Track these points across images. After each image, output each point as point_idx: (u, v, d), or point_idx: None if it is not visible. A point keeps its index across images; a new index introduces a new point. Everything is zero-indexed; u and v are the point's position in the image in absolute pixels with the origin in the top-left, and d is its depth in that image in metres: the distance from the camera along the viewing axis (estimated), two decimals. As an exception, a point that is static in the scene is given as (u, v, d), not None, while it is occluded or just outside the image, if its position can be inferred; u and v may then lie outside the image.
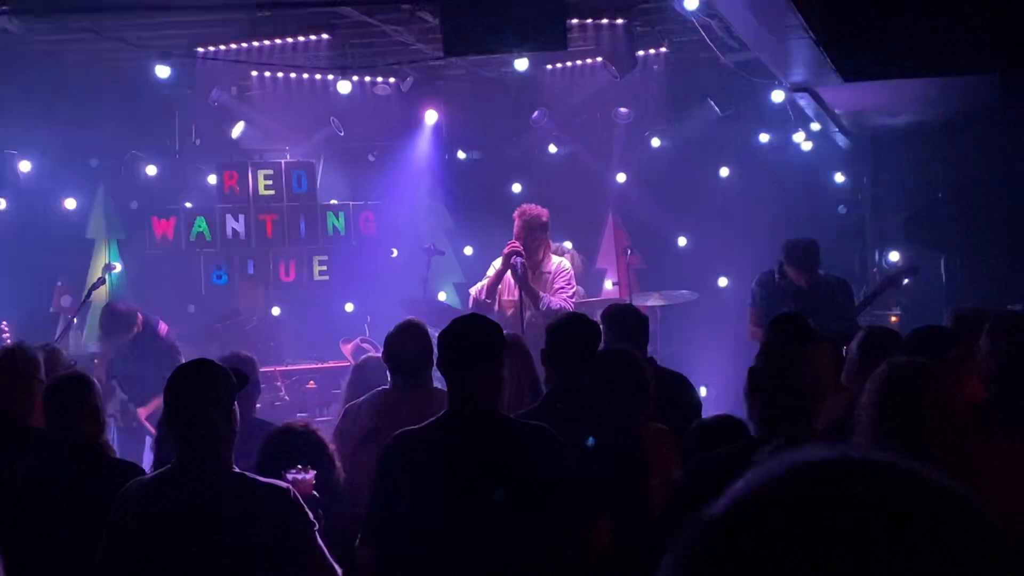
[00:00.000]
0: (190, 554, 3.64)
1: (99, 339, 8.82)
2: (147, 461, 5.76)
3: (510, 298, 8.13)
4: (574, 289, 8.27)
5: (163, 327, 8.53)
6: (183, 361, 8.24)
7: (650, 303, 9.49)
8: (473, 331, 3.95)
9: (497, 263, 8.23)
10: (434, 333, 4.93)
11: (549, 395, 4.65)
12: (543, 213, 8.18)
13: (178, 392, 3.78)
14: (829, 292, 8.07)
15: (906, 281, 9.19)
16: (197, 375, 3.84)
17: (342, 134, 10.50)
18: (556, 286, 8.11)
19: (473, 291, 8.31)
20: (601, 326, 5.90)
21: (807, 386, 3.50)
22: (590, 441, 4.29)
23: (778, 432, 3.40)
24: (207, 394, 3.73)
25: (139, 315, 8.37)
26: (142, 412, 8.16)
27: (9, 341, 7.74)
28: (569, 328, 4.82)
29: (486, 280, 8.23)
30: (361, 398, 5.29)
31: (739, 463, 3.20)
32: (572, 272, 8.33)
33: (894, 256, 11.27)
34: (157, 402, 8.09)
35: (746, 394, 3.60)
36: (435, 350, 4.64)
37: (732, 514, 0.82)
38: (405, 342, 5.12)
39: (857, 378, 4.88)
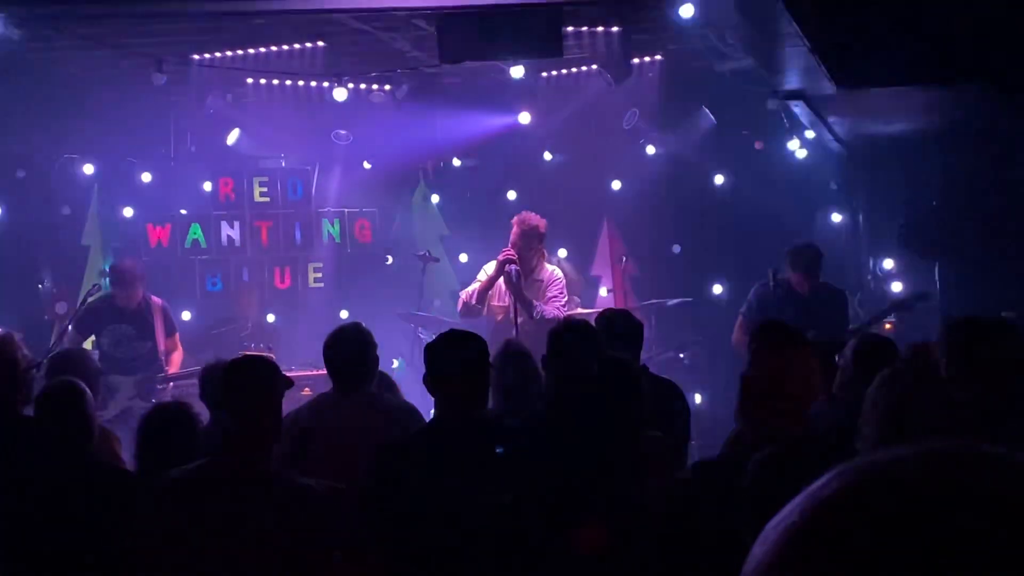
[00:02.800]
0: (221, 551, 3.62)
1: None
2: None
3: (500, 304, 8.11)
4: (566, 298, 8.27)
5: (157, 301, 8.58)
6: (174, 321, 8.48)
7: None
8: (456, 344, 4.20)
9: (489, 267, 8.23)
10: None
11: (548, 400, 4.69)
12: (542, 224, 8.17)
13: (232, 387, 3.82)
14: (827, 302, 8.09)
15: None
16: (253, 372, 3.90)
17: (347, 143, 10.49)
18: (549, 294, 8.09)
19: (463, 294, 8.27)
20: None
21: (796, 391, 3.52)
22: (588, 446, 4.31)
23: (767, 437, 3.42)
24: (261, 391, 3.79)
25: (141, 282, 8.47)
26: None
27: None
28: (570, 334, 4.85)
29: (477, 284, 8.21)
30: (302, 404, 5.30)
31: (735, 468, 3.21)
32: (564, 281, 8.33)
33: (888, 264, 11.28)
34: (177, 356, 8.30)
35: (738, 401, 3.63)
36: (376, 355, 5.03)
37: (859, 491, 0.80)
38: (341, 348, 5.07)
39: (851, 386, 4.89)
